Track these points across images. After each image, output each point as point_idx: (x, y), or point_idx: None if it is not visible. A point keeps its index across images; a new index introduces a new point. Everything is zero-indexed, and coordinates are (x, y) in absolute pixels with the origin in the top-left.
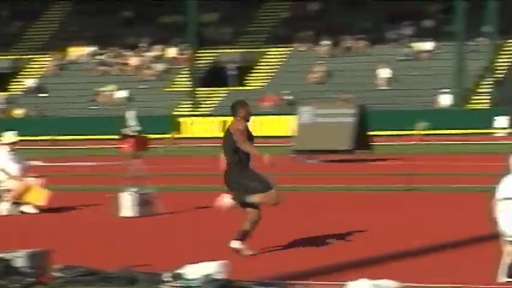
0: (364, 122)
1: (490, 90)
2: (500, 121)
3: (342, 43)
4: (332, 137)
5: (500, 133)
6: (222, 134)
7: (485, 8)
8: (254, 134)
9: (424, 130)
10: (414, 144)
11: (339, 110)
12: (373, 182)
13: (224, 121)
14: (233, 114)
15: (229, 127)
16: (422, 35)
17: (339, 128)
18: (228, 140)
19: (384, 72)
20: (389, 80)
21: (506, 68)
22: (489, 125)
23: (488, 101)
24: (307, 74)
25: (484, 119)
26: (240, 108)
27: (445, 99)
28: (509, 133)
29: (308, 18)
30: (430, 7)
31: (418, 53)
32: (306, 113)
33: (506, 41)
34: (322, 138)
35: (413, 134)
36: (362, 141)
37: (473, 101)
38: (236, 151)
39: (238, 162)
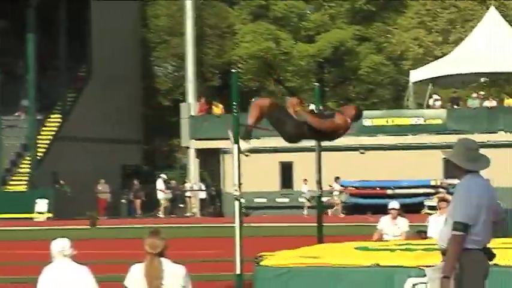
0: None
1: (29, 170)
2: (41, 205)
3: None
4: None
5: (41, 218)
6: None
7: (23, 81)
8: None
9: None
10: None
11: None
12: None
13: None
14: None
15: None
16: None
17: None
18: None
19: None
20: None
21: (46, 145)
22: (30, 209)
23: (27, 182)
24: None
25: (24, 202)
26: None
27: None
28: (49, 218)
29: None
30: None
31: None
32: None
33: (47, 117)
34: None
35: None
36: None
37: (11, 183)
38: None
39: None
